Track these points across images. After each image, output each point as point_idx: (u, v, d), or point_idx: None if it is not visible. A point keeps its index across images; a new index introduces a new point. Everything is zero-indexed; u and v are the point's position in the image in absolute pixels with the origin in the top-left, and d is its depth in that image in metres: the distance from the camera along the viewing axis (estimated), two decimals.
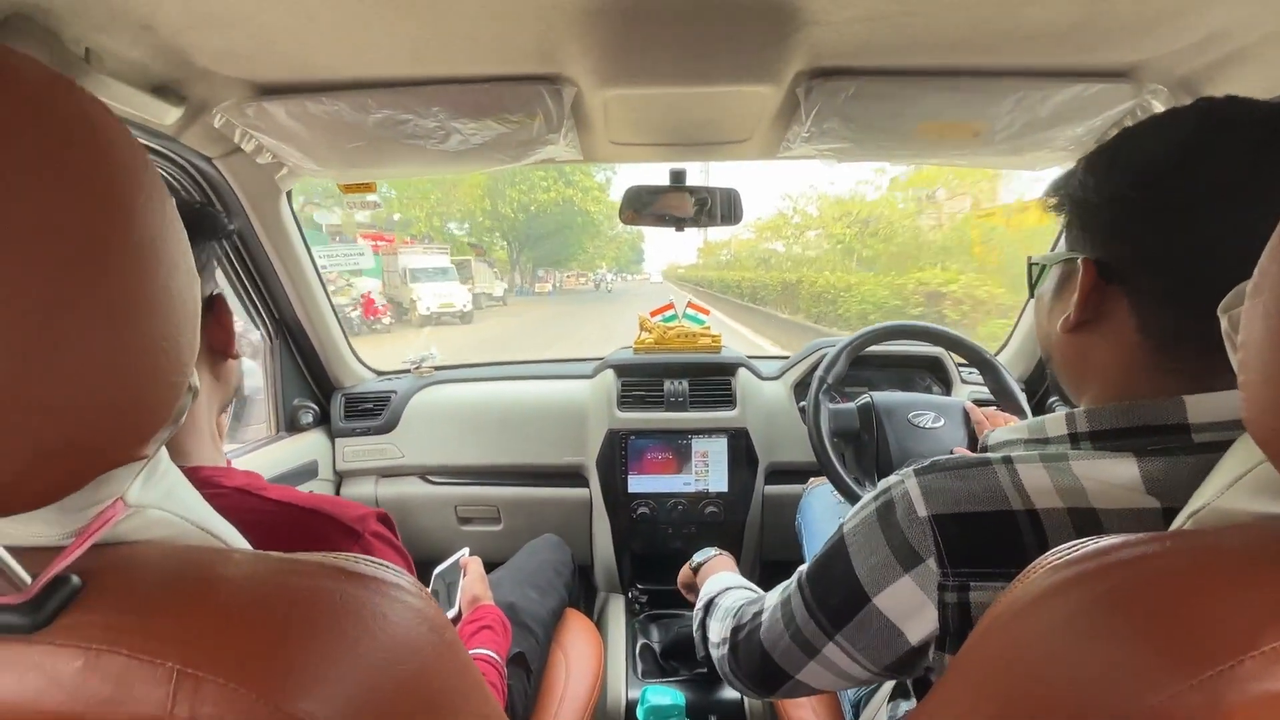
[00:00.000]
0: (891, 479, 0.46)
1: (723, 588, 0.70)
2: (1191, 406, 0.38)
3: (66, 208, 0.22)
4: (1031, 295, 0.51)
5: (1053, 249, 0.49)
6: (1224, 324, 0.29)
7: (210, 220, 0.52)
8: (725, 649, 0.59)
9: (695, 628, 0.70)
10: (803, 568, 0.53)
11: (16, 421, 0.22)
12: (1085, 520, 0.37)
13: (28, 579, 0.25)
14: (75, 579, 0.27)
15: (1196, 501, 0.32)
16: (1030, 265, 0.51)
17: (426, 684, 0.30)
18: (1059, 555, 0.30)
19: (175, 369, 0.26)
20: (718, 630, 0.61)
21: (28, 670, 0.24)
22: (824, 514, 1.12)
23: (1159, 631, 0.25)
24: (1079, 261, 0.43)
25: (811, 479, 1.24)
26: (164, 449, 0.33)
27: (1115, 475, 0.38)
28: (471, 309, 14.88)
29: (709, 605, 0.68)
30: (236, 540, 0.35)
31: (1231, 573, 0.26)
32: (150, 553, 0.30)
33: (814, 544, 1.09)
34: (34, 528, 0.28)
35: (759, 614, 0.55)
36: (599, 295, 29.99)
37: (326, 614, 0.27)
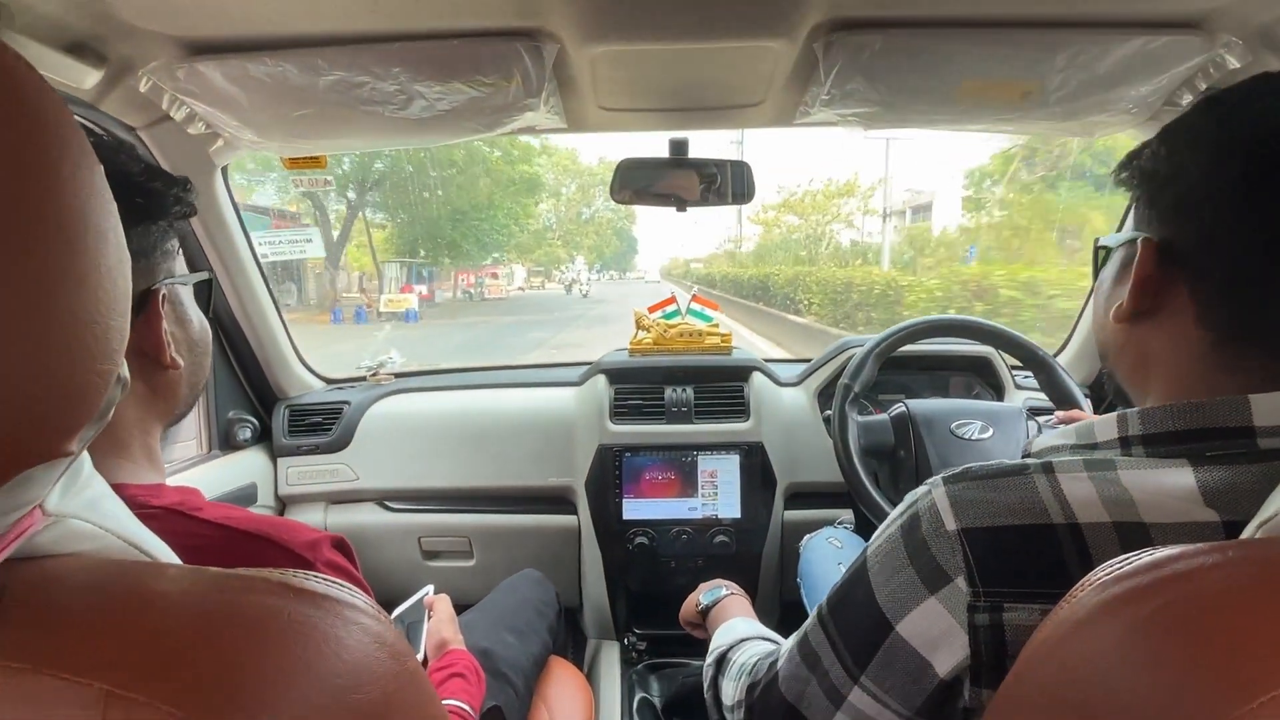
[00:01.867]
0: (919, 489, 0.47)
1: (736, 639, 0.70)
2: (1257, 407, 0.39)
3: None
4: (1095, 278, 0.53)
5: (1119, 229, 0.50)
6: None
7: (156, 198, 0.50)
8: (741, 713, 0.59)
9: (706, 687, 0.70)
10: (823, 600, 0.53)
11: None
12: (1134, 536, 0.39)
13: None
14: None
15: (1268, 509, 0.33)
16: (1096, 249, 0.53)
17: (386, 717, 0.31)
18: (1109, 570, 0.31)
19: (103, 354, 0.27)
20: (731, 692, 0.62)
21: None
22: (826, 564, 1.14)
23: (1218, 651, 0.26)
24: (1139, 242, 0.45)
25: (806, 535, 1.26)
26: (87, 457, 0.34)
27: (1168, 485, 0.39)
28: None
29: (721, 661, 0.69)
30: (168, 558, 0.36)
31: None
32: (73, 566, 0.31)
33: (817, 597, 1.10)
34: None
35: (774, 664, 0.56)
36: (558, 314, 18.17)
37: (273, 634, 0.29)
